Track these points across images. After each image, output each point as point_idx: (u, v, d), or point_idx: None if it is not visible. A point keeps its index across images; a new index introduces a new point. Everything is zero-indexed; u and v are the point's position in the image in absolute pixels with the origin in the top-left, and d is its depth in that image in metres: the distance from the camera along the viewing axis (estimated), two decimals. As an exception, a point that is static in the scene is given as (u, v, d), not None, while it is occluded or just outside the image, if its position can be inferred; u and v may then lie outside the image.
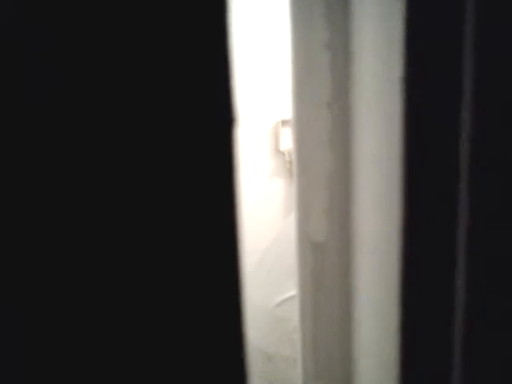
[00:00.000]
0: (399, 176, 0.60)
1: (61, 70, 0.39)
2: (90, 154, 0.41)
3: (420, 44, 0.56)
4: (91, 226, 0.42)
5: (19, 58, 0.38)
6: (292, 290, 1.81)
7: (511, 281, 0.56)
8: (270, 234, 2.03)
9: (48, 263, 0.42)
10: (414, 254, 0.61)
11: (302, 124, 0.73)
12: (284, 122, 2.28)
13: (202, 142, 0.40)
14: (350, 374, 0.83)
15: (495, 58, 0.53)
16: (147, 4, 0.39)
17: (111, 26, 0.40)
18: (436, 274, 0.61)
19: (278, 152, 2.36)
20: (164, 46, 0.40)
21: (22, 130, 0.39)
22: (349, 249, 0.76)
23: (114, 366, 0.45)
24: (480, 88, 0.53)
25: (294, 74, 0.73)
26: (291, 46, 0.72)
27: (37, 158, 0.40)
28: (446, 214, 0.59)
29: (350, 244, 0.76)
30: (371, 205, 0.71)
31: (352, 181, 0.73)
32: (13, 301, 0.41)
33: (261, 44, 2.20)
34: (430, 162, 0.59)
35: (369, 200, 0.71)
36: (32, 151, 0.40)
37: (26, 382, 0.43)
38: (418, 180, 0.59)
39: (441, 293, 0.61)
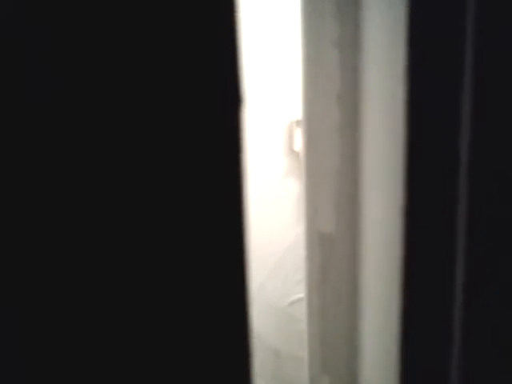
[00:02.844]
0: (403, 169, 0.61)
1: (61, 70, 0.39)
2: (92, 149, 0.41)
3: (422, 42, 0.56)
4: (95, 225, 0.42)
5: (19, 58, 0.38)
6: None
7: (510, 273, 0.56)
8: (285, 233, 2.03)
9: (57, 263, 0.42)
10: (416, 247, 0.62)
11: (312, 117, 0.74)
12: (299, 122, 2.28)
13: (209, 123, 0.40)
14: (356, 368, 0.84)
15: (495, 56, 0.53)
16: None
17: (118, 16, 0.40)
18: (437, 268, 0.62)
19: (293, 152, 2.36)
20: (169, 35, 0.40)
21: (22, 129, 0.39)
22: (356, 241, 0.76)
23: (117, 364, 0.45)
24: (480, 84, 0.54)
25: (304, 69, 0.74)
26: (302, 41, 0.73)
27: (37, 158, 0.40)
28: (447, 207, 0.59)
29: (358, 236, 0.76)
30: (379, 197, 0.72)
31: (360, 174, 0.74)
32: (13, 301, 0.41)
33: (276, 43, 2.20)
34: (431, 156, 0.59)
35: (377, 193, 0.72)
36: (32, 150, 0.40)
37: (26, 382, 0.43)
38: (419, 173, 0.60)
39: (441, 291, 0.61)
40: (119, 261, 0.43)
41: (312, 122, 0.75)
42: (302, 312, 1.87)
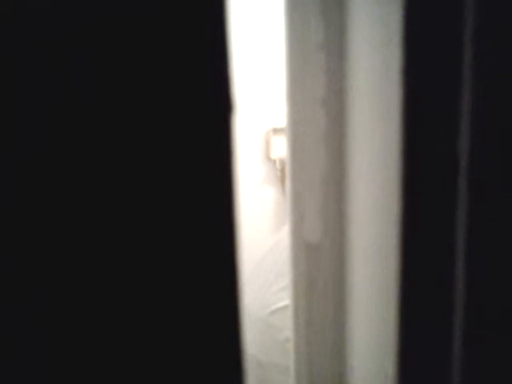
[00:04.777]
0: (395, 176, 0.60)
1: (61, 69, 0.39)
2: (83, 145, 0.40)
3: (419, 44, 0.55)
4: (89, 221, 0.42)
5: (19, 58, 0.38)
6: (286, 300, 1.81)
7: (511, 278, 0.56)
8: (261, 241, 2.02)
9: (42, 264, 0.41)
10: (412, 256, 0.61)
11: (297, 123, 0.73)
12: (275, 130, 2.29)
13: (198, 129, 0.40)
14: (344, 380, 0.82)
15: (495, 58, 0.52)
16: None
17: (109, 22, 0.39)
18: (434, 277, 0.61)
19: (269, 160, 2.36)
20: (161, 37, 0.40)
21: (21, 129, 0.39)
22: (343, 250, 0.75)
23: (110, 370, 0.44)
24: (480, 87, 0.53)
25: (288, 73, 0.72)
26: (286, 44, 0.72)
27: (35, 158, 0.40)
28: (445, 215, 0.58)
29: (345, 245, 0.75)
30: (366, 205, 0.70)
31: (347, 181, 0.73)
32: (13, 301, 0.41)
33: (253, 52, 2.20)
34: (428, 162, 0.58)
35: (364, 201, 0.71)
36: (30, 151, 0.39)
37: (27, 382, 0.42)
38: (416, 180, 0.59)
39: (439, 297, 0.60)
40: (108, 260, 0.43)
41: (297, 127, 0.73)
42: (283, 321, 1.86)
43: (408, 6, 0.53)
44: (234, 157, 0.40)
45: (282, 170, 2.25)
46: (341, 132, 0.72)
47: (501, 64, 0.51)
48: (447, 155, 0.55)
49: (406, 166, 0.57)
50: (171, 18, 0.40)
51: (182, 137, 0.40)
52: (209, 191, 0.41)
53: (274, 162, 2.35)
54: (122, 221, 0.42)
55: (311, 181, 0.73)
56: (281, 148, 2.22)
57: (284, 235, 1.85)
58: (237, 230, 0.42)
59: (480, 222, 0.54)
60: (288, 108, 0.74)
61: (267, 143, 2.33)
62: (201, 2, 0.40)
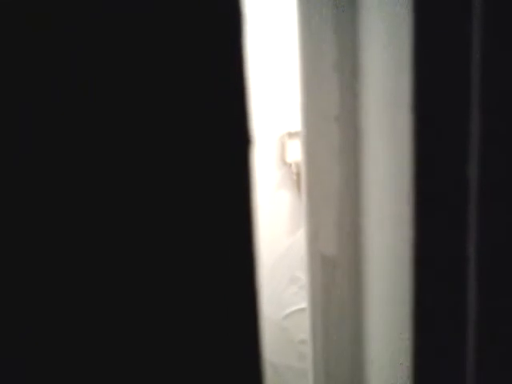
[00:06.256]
0: (408, 189, 0.61)
1: (62, 71, 0.38)
2: (96, 170, 0.40)
3: (428, 63, 0.56)
4: (99, 234, 0.41)
5: (19, 58, 0.38)
6: (300, 303, 1.81)
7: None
8: (277, 245, 2.03)
9: (61, 263, 0.41)
10: (425, 266, 0.62)
11: (311, 138, 0.74)
12: (290, 134, 2.28)
13: (217, 163, 0.40)
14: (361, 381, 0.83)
15: (504, 73, 0.53)
16: (161, 22, 0.39)
17: (120, 37, 0.39)
18: (448, 286, 0.61)
19: (285, 164, 2.36)
20: (180, 64, 0.40)
21: (21, 129, 0.38)
22: (359, 262, 0.76)
23: (124, 375, 0.44)
24: (489, 103, 0.54)
25: (302, 90, 0.74)
26: (300, 63, 0.73)
27: (39, 159, 0.39)
28: (458, 226, 0.59)
29: (361, 257, 0.76)
30: (381, 217, 0.71)
31: (361, 194, 0.74)
32: (13, 301, 0.40)
33: (267, 56, 2.20)
34: (440, 175, 0.59)
35: (378, 212, 0.72)
36: (33, 152, 0.39)
37: (26, 382, 0.42)
38: (428, 193, 0.60)
39: (454, 306, 0.61)
40: (124, 267, 0.42)
41: (311, 142, 0.75)
42: (297, 324, 1.86)
43: (418, 26, 0.54)
44: (253, 185, 0.41)
45: (298, 174, 2.26)
46: (354, 145, 0.73)
47: (510, 90, 0.52)
48: (457, 166, 0.56)
49: (418, 180, 0.59)
50: (193, 54, 0.40)
51: (204, 167, 0.41)
52: (228, 213, 0.41)
53: (290, 165, 2.35)
54: (140, 229, 0.42)
55: (326, 194, 0.75)
56: (296, 152, 2.22)
57: (298, 239, 1.85)
58: (255, 234, 0.43)
59: (490, 234, 0.55)
60: (302, 122, 0.75)
61: (282, 147, 2.33)
62: (217, 33, 0.40)
